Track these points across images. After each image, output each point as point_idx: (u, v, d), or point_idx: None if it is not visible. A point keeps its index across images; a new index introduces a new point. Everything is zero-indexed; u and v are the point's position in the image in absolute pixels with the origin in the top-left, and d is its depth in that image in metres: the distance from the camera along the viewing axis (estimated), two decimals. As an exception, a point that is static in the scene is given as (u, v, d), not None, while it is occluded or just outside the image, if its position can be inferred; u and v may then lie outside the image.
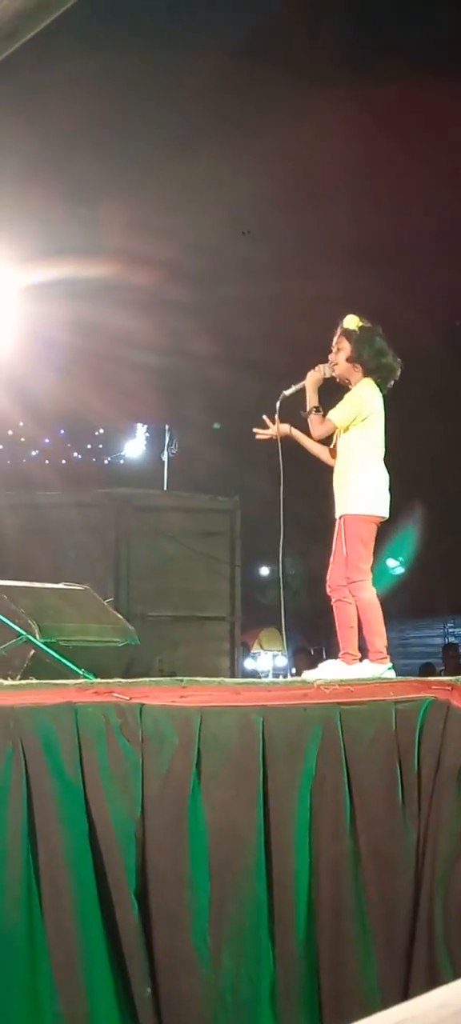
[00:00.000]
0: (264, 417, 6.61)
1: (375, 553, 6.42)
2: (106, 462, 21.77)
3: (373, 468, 6.39)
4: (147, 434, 18.76)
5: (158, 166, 11.15)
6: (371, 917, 3.98)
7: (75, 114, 10.58)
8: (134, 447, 19.43)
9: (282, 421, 6.55)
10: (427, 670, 12.45)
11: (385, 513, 6.40)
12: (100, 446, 21.86)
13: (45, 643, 6.79)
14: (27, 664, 6.70)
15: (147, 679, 5.43)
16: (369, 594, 6.27)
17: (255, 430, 6.62)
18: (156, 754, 4.11)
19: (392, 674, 6.10)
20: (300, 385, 6.57)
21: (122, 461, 21.03)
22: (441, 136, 10.86)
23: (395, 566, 18.54)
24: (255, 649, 19.78)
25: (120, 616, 8.62)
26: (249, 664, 18.50)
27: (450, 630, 24.06)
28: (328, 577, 6.40)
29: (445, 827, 3.96)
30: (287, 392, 6.61)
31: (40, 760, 4.07)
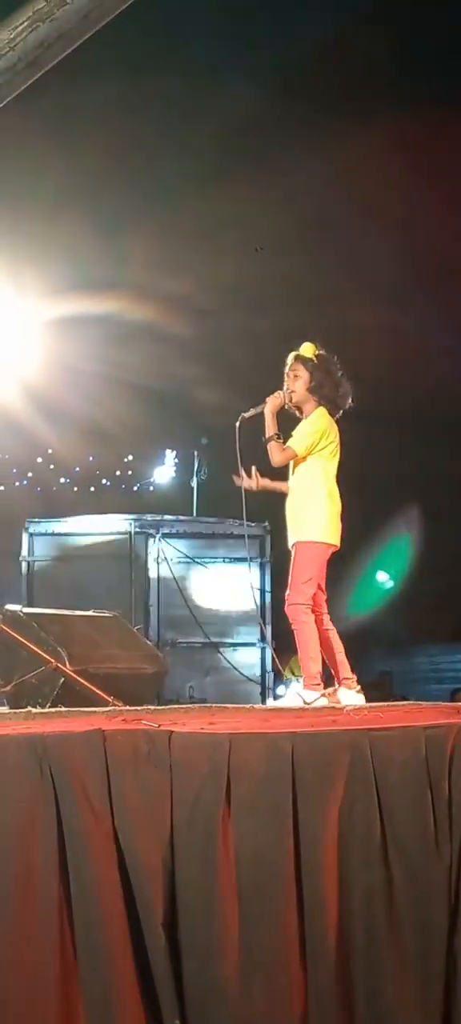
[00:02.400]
0: (240, 473, 6.66)
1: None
2: (135, 488, 21.78)
3: (327, 497, 6.45)
4: (176, 460, 18.75)
5: (186, 200, 11.21)
6: (406, 944, 3.94)
7: (105, 147, 10.65)
8: (163, 473, 19.40)
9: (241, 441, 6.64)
10: (459, 696, 12.39)
11: (337, 543, 6.47)
12: (129, 472, 21.86)
13: (74, 671, 6.79)
14: (56, 692, 6.71)
15: (176, 706, 5.42)
16: (308, 619, 6.35)
17: (234, 477, 6.68)
18: (185, 782, 4.08)
19: (323, 700, 6.19)
20: (259, 409, 6.60)
21: (151, 488, 21.03)
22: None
23: (385, 580, 18.42)
24: (286, 675, 19.70)
25: (150, 643, 8.63)
26: (281, 691, 18.43)
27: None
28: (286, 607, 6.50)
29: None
30: (246, 415, 6.65)
31: (69, 788, 4.05)
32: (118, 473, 21.67)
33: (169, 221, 11.49)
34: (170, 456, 18.97)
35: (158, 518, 13.71)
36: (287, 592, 6.47)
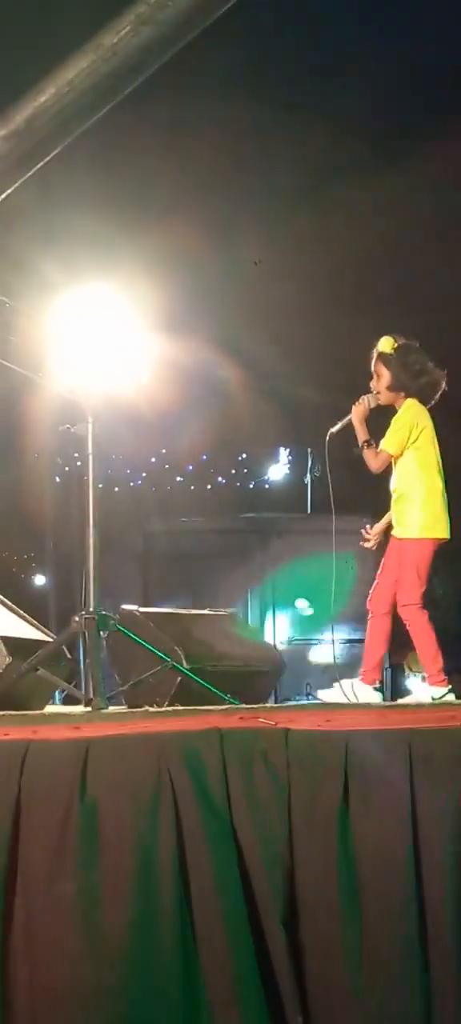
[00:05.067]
0: (365, 529, 6.65)
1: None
2: (250, 486, 21.83)
3: (426, 490, 6.34)
4: (290, 457, 18.74)
5: (293, 208, 11.22)
6: None
7: (214, 157, 10.70)
8: (277, 471, 19.42)
9: (332, 456, 6.63)
10: None
11: (443, 534, 6.36)
12: (244, 471, 21.93)
13: (192, 669, 6.82)
14: (174, 691, 6.74)
15: (293, 703, 5.41)
16: (422, 616, 6.26)
17: (362, 543, 6.69)
18: (302, 780, 4.06)
19: (451, 696, 6.12)
20: (346, 420, 6.53)
21: (267, 485, 21.05)
22: None
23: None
24: (407, 672, 19.52)
25: (267, 641, 8.62)
26: (411, 686, 18.28)
27: None
28: (372, 593, 6.44)
29: None
30: (334, 429, 6.59)
31: (187, 787, 4.06)
32: (233, 471, 21.76)
33: (279, 228, 11.51)
34: (284, 454, 18.99)
35: (273, 515, 13.70)
36: (399, 593, 6.40)
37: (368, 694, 6.39)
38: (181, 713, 5.44)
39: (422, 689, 6.33)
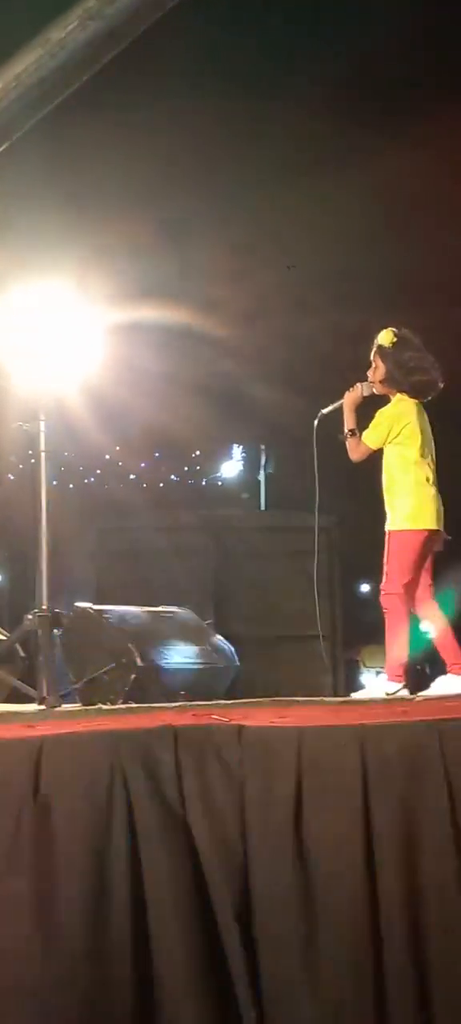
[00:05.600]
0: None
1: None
2: (203, 483, 21.84)
3: (413, 483, 6.39)
4: (243, 454, 18.78)
5: (248, 205, 11.24)
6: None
7: (168, 150, 10.69)
8: (230, 468, 19.45)
9: (319, 439, 6.65)
10: None
11: (433, 525, 6.39)
12: (197, 468, 21.94)
13: (145, 667, 6.82)
14: (127, 688, 6.75)
15: (247, 700, 5.43)
16: (400, 609, 6.32)
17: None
18: (256, 776, 4.08)
19: (405, 693, 6.15)
20: (338, 404, 6.57)
21: (219, 482, 21.07)
22: None
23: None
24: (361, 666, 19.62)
25: (220, 637, 8.63)
26: (365, 681, 18.38)
27: None
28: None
29: None
30: (325, 411, 6.62)
31: (141, 784, 4.06)
32: (186, 468, 21.76)
33: (233, 219, 11.52)
34: (237, 451, 19.02)
35: (227, 512, 13.70)
36: (382, 582, 6.45)
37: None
38: (135, 711, 5.45)
39: (376, 683, 6.37)
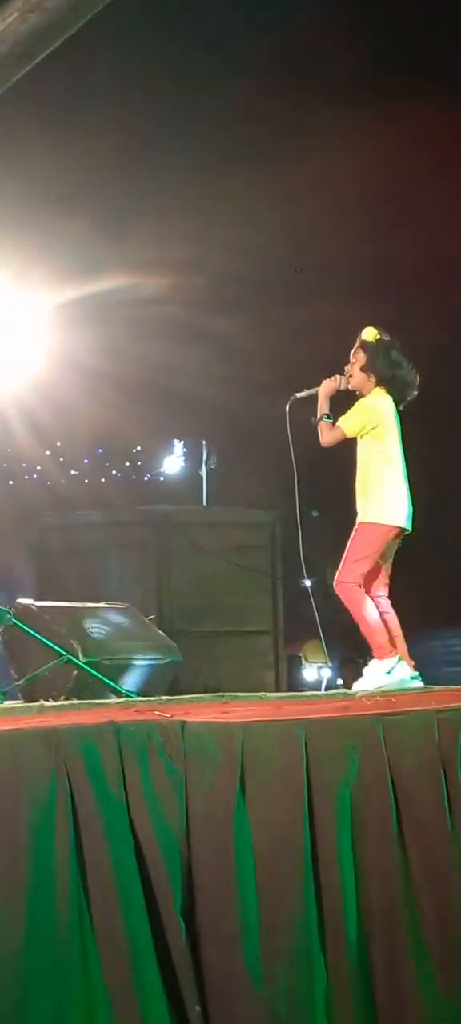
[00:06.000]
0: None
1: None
2: (145, 479, 21.80)
3: (386, 478, 6.41)
4: (185, 450, 18.76)
5: (184, 194, 11.24)
6: (425, 927, 3.95)
7: (108, 136, 10.66)
8: (172, 463, 19.42)
9: (292, 424, 6.64)
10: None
11: (401, 523, 6.43)
12: (138, 463, 21.89)
13: (88, 663, 6.81)
14: (70, 685, 6.73)
15: (189, 696, 5.44)
16: (359, 593, 6.32)
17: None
18: (199, 771, 4.09)
19: (403, 663, 6.16)
20: (313, 391, 6.58)
21: (161, 478, 21.04)
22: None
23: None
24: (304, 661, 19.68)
25: (163, 633, 8.63)
26: (307, 676, 18.41)
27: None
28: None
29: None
30: (298, 395, 6.63)
31: (84, 781, 4.06)
32: (127, 464, 21.70)
33: (171, 215, 11.52)
34: (179, 446, 18.99)
35: (168, 508, 13.69)
36: (338, 571, 6.44)
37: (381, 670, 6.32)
38: (77, 707, 5.44)
39: (370, 667, 6.33)
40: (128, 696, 6.21)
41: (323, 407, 6.55)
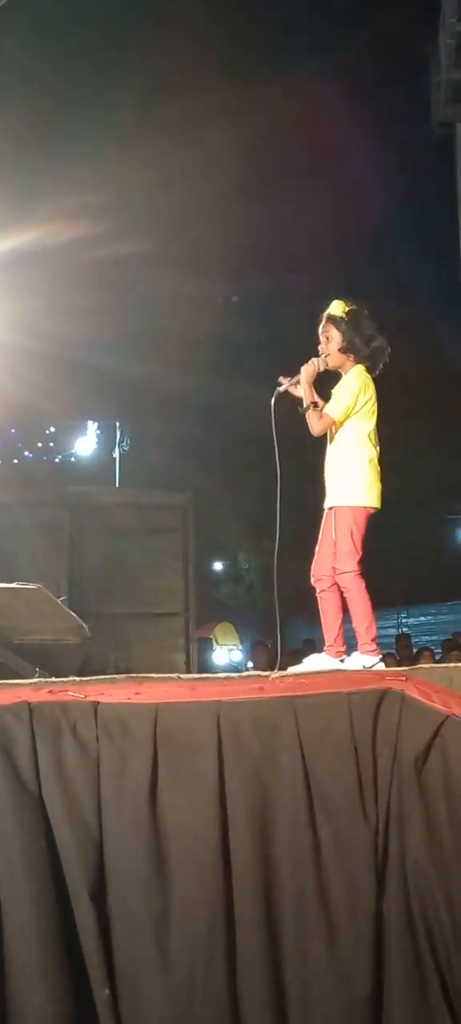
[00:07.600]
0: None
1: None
2: (57, 460, 21.66)
3: (366, 458, 6.30)
4: (98, 431, 18.67)
5: (102, 158, 11.18)
6: (334, 908, 3.98)
7: (26, 103, 10.57)
8: (85, 445, 19.33)
9: (277, 415, 6.46)
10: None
11: (377, 504, 6.33)
12: (51, 444, 21.73)
13: (-1, 643, 6.74)
14: (-20, 665, 6.65)
15: (102, 677, 5.40)
16: (360, 584, 6.22)
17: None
18: (112, 753, 4.08)
19: (382, 665, 6.11)
20: (294, 380, 6.44)
21: (73, 459, 20.92)
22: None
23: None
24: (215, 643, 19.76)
25: (74, 614, 8.57)
26: (217, 658, 18.47)
27: (403, 620, 24.17)
28: (313, 567, 6.35)
29: (409, 819, 3.97)
30: (281, 388, 6.47)
31: (-5, 761, 4.02)
32: (40, 445, 21.53)
33: (78, 193, 11.48)
34: (92, 428, 18.89)
35: (81, 489, 13.62)
36: (335, 562, 6.31)
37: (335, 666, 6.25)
38: (-12, 687, 5.37)
39: (354, 657, 6.27)
40: (40, 676, 6.15)
41: (308, 396, 6.38)
